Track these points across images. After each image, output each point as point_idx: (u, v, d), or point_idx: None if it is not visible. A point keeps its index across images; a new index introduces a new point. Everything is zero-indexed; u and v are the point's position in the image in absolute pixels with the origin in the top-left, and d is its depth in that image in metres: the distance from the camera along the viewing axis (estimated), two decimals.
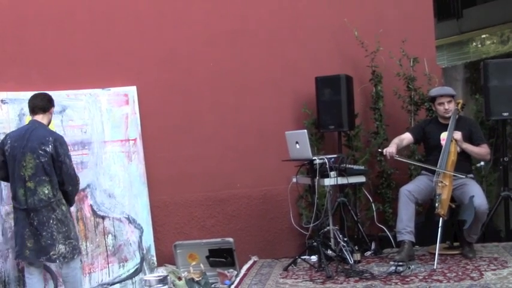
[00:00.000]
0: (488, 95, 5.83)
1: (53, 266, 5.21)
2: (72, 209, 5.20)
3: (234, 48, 6.25)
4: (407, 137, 5.58)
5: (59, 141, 4.75)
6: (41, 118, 4.85)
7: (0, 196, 5.20)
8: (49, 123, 4.94)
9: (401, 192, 5.33)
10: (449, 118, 5.37)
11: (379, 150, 5.48)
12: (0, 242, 5.14)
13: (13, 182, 4.77)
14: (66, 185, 4.80)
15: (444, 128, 5.37)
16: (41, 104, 4.86)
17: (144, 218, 5.78)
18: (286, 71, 6.35)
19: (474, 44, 13.76)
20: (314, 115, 6.25)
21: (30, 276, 4.81)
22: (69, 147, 4.98)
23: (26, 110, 5.32)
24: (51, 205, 4.70)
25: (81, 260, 5.10)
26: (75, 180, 4.90)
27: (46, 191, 4.68)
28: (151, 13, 6.05)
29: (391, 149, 5.32)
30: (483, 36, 13.54)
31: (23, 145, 4.69)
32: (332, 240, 5.57)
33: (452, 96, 5.43)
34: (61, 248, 4.71)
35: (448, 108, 5.40)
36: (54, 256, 4.70)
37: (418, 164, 5.61)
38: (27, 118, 5.27)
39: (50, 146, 4.69)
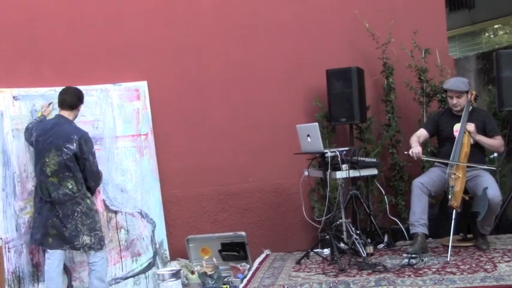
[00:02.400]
0: (501, 86, 5.78)
1: (67, 261, 5.24)
2: None
3: (244, 42, 6.24)
4: (423, 134, 5.54)
5: (83, 139, 4.85)
6: (67, 114, 4.95)
7: (14, 192, 5.23)
8: (75, 118, 5.02)
9: (414, 184, 5.31)
10: (462, 110, 5.33)
11: (405, 152, 5.42)
12: (14, 237, 5.17)
13: (36, 174, 4.92)
14: (89, 181, 4.95)
15: (457, 119, 5.33)
16: (70, 101, 4.95)
17: (157, 212, 5.80)
18: (297, 64, 6.33)
19: (486, 34, 13.63)
20: (325, 108, 6.23)
21: (49, 270, 4.86)
22: (94, 148, 5.06)
23: (38, 106, 5.39)
24: (75, 199, 4.81)
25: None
26: (97, 176, 5.04)
27: (70, 186, 4.79)
28: (162, 8, 6.05)
29: (416, 149, 5.27)
30: (496, 26, 13.40)
31: (48, 141, 4.79)
32: (344, 233, 5.57)
33: (465, 92, 5.35)
34: (86, 238, 4.82)
35: (455, 103, 5.35)
36: (78, 245, 4.82)
37: (445, 161, 5.41)
38: (39, 114, 5.30)
39: (75, 144, 4.78)
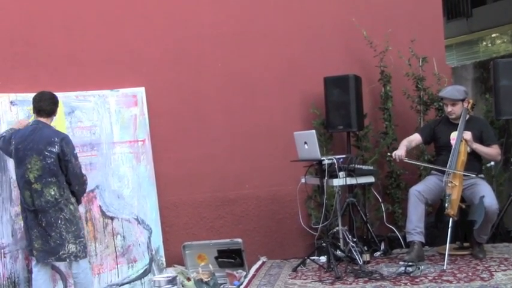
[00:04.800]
0: (498, 95, 5.80)
1: (62, 267, 5.23)
2: (81, 209, 5.20)
3: (242, 49, 6.24)
4: (416, 138, 5.55)
5: (64, 141, 4.76)
6: (45, 120, 4.86)
7: (10, 197, 5.22)
8: (52, 122, 4.95)
9: (410, 192, 5.31)
10: (458, 118, 5.35)
11: (389, 153, 5.45)
12: (9, 243, 5.16)
13: (18, 184, 4.82)
14: (73, 184, 4.83)
15: (454, 127, 5.34)
16: (48, 109, 4.86)
17: (153, 218, 5.79)
18: (294, 71, 6.34)
19: (484, 43, 13.70)
20: (323, 115, 6.24)
21: (37, 278, 4.81)
22: (77, 149, 5.00)
23: None
24: (58, 205, 4.71)
25: (89, 261, 5.10)
26: (81, 179, 4.91)
27: (52, 192, 4.69)
28: (160, 14, 6.06)
29: (400, 152, 5.30)
30: (493, 35, 13.47)
31: (28, 147, 4.70)
32: (341, 240, 5.56)
33: (460, 100, 5.36)
34: (71, 247, 4.73)
35: (450, 110, 5.37)
36: (64, 255, 4.72)
37: (427, 165, 5.56)
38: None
39: (57, 147, 4.69)
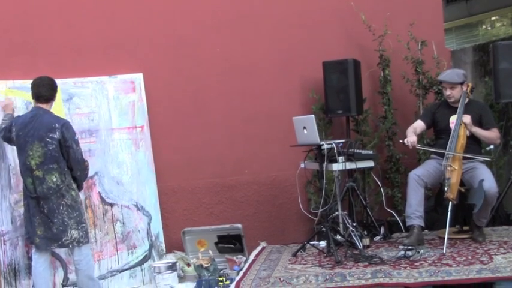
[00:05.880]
0: (498, 78, 5.78)
1: (62, 254, 5.24)
2: (81, 196, 5.19)
3: (240, 34, 6.22)
4: (419, 125, 5.53)
5: (65, 127, 4.74)
6: (45, 106, 4.84)
7: (9, 185, 5.21)
8: (51, 107, 4.92)
9: (410, 176, 5.31)
10: (457, 102, 5.33)
11: (401, 141, 5.42)
12: (9, 230, 5.16)
13: (20, 170, 4.81)
14: (74, 170, 4.82)
15: (454, 111, 5.32)
16: (47, 95, 4.83)
17: (153, 205, 5.79)
18: (293, 56, 6.31)
19: (484, 26, 13.62)
20: (322, 100, 6.22)
21: (37, 265, 4.81)
22: (77, 135, 4.96)
23: None
24: (60, 191, 4.71)
25: (90, 248, 5.11)
26: (82, 165, 4.90)
27: (54, 179, 4.69)
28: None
29: (412, 139, 5.28)
30: (493, 18, 13.38)
31: (30, 134, 4.69)
32: (341, 225, 5.57)
33: (459, 83, 5.34)
34: (74, 233, 4.73)
35: (449, 94, 5.36)
36: (67, 241, 4.72)
37: (438, 150, 5.47)
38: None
39: (58, 133, 4.68)
